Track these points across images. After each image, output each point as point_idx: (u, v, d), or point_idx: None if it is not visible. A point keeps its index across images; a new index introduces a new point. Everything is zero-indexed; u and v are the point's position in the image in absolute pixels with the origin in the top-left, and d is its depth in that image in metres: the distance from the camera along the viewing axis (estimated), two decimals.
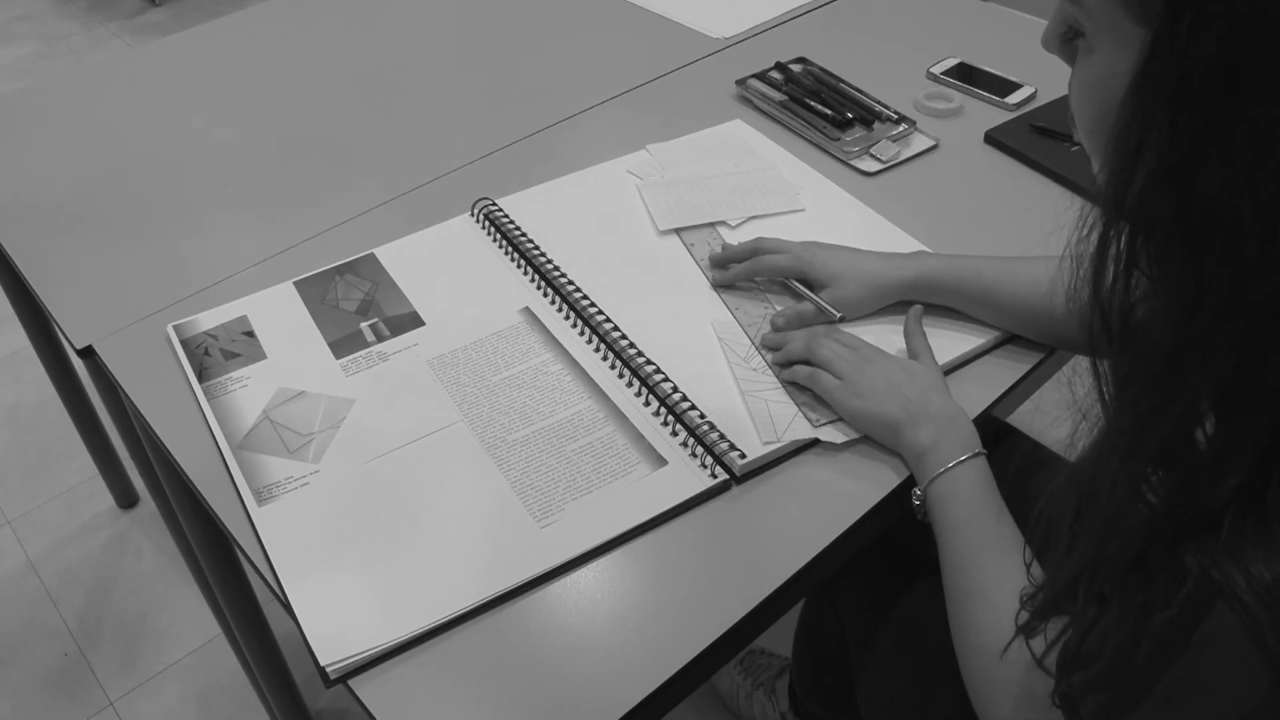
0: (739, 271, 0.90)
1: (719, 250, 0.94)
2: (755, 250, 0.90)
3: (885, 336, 0.85)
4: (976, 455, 0.72)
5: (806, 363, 0.81)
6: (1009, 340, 0.86)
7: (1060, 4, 0.48)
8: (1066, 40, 0.49)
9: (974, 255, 0.86)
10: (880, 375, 0.78)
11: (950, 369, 0.84)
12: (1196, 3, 0.38)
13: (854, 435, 0.78)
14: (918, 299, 0.85)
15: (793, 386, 0.82)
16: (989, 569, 0.67)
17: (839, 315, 0.85)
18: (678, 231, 0.99)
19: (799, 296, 0.88)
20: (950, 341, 0.85)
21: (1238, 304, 0.41)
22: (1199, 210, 0.40)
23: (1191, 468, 0.45)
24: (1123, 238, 0.43)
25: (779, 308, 0.89)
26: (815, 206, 1.02)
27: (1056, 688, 0.54)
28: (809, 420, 0.79)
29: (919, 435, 0.73)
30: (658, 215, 1.01)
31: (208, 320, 0.91)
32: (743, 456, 0.76)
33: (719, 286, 0.92)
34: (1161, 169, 0.41)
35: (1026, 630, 0.57)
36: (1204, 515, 0.44)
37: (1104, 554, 0.49)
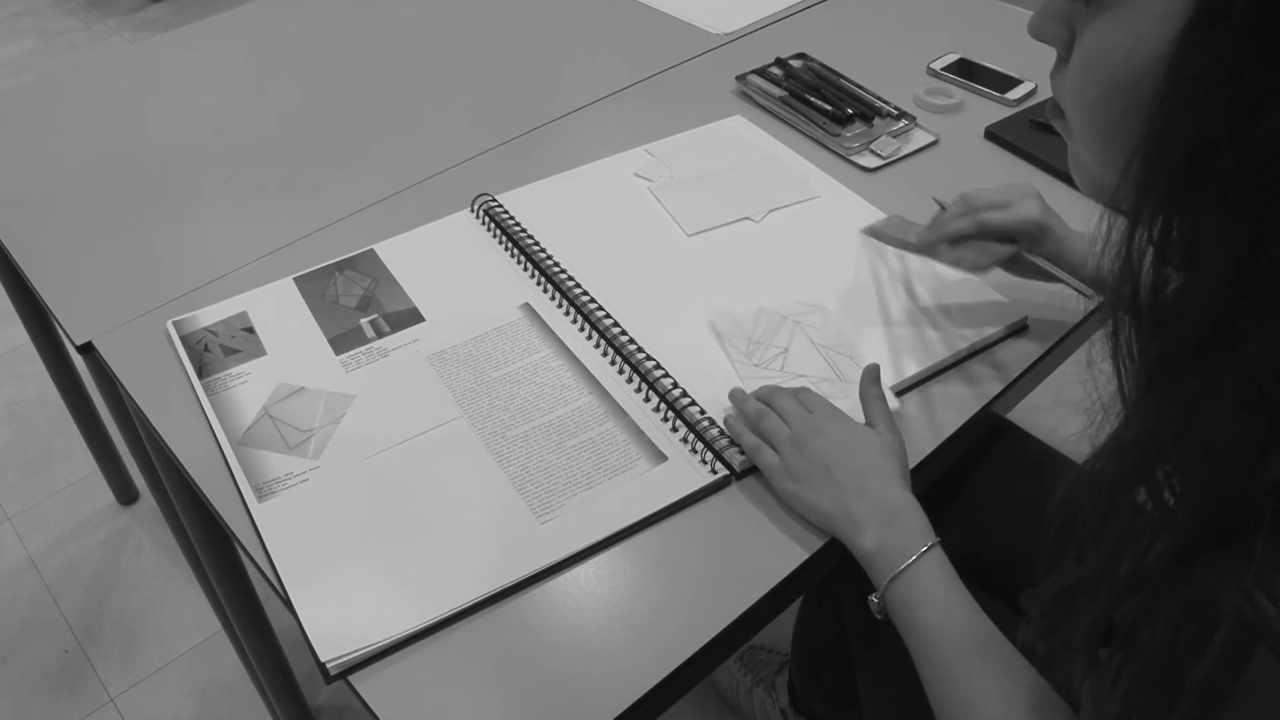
0: (958, 227, 0.81)
1: None
2: (969, 207, 0.82)
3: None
4: (930, 549, 0.67)
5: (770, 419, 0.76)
6: (1008, 338, 0.86)
7: None
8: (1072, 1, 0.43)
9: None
10: (819, 455, 0.72)
11: (945, 367, 0.84)
12: None
13: None
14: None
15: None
16: (979, 681, 0.63)
17: (1091, 295, 0.80)
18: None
19: (1049, 275, 0.83)
20: (947, 341, 0.85)
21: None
22: (1253, 171, 0.37)
23: (1232, 457, 0.41)
24: (1155, 222, 0.40)
25: (774, 305, 0.89)
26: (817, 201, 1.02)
27: None
28: None
29: (861, 540, 0.68)
30: (682, 219, 1.00)
31: (207, 316, 0.91)
32: (742, 453, 0.76)
33: (923, 248, 0.83)
34: (1210, 130, 0.37)
35: (1045, 637, 0.53)
36: (1226, 534, 0.41)
37: (1116, 565, 0.47)
